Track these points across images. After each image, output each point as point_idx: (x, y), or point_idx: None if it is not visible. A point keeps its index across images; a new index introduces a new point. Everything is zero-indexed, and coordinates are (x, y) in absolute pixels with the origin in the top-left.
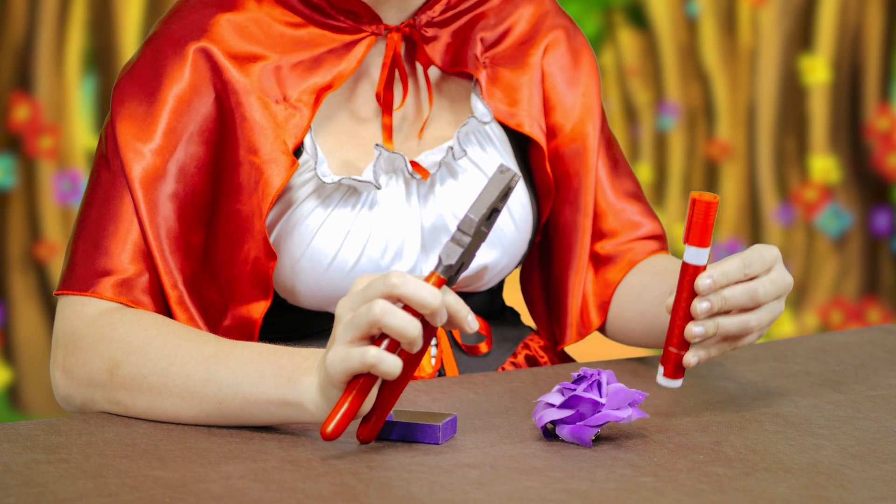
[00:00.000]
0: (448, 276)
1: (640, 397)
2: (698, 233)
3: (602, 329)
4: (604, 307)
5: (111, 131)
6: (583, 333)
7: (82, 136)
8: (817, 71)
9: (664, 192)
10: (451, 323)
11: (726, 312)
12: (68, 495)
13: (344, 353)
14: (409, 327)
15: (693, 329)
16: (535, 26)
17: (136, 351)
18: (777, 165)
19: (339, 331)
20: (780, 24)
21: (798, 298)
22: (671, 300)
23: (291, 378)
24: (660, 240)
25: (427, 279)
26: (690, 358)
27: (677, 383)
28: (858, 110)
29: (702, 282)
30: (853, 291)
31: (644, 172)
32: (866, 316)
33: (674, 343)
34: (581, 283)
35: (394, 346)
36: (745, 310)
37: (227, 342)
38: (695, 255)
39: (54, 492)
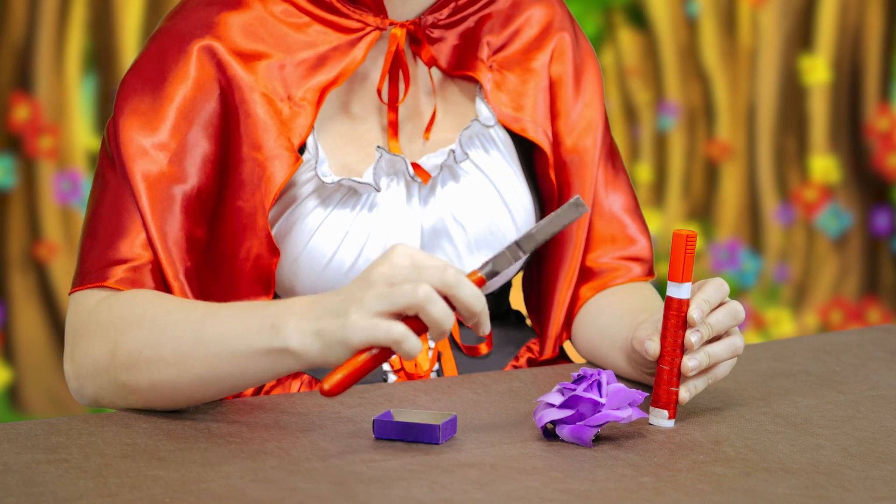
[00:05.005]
0: (489, 280)
1: (640, 397)
2: (679, 267)
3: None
4: (570, 320)
5: (114, 128)
6: (557, 346)
7: (82, 136)
8: (817, 71)
9: (664, 192)
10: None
11: (715, 339)
12: (68, 495)
13: (370, 323)
14: (447, 321)
15: (688, 364)
16: (544, 30)
17: (131, 327)
18: (777, 165)
19: (370, 297)
20: (780, 24)
21: (798, 298)
22: (650, 344)
23: (275, 325)
24: (644, 263)
25: (470, 276)
26: (683, 394)
27: (671, 423)
28: (858, 110)
29: (691, 315)
30: (853, 291)
31: (644, 172)
32: (866, 316)
33: (664, 380)
34: (568, 295)
35: (417, 329)
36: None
37: (217, 304)
38: (676, 289)
39: (54, 492)
